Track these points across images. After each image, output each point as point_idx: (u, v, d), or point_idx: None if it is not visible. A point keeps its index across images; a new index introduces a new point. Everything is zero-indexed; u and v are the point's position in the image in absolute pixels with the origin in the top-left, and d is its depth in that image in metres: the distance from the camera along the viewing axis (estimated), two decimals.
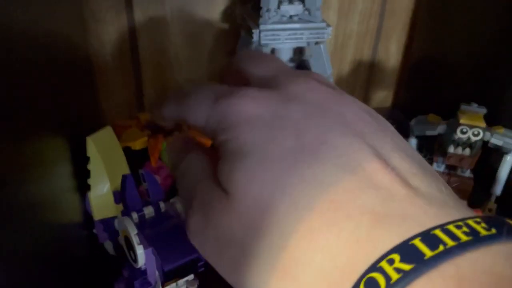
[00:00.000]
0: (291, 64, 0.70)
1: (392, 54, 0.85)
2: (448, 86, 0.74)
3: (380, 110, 0.88)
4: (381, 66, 0.86)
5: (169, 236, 0.38)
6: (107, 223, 0.48)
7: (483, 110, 0.58)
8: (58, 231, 0.42)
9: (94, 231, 0.49)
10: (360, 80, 0.87)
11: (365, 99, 0.89)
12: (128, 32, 0.71)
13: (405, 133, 0.66)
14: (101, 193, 0.46)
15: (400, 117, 0.82)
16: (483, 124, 0.57)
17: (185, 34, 0.73)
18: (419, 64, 0.82)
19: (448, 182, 0.61)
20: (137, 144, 0.51)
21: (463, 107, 0.59)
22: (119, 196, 0.45)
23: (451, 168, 0.63)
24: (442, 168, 0.63)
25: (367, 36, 0.82)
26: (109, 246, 0.50)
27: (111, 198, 0.48)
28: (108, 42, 0.70)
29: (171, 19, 0.72)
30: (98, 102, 0.72)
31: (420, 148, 0.65)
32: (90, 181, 0.46)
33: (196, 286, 0.45)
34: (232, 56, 0.73)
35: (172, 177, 0.54)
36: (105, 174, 0.46)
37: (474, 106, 0.59)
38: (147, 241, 0.37)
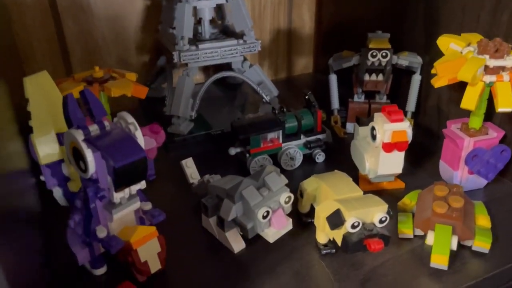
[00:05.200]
0: (214, 30, 0.75)
1: (306, 22, 0.93)
2: (356, 41, 0.82)
3: (304, 76, 0.96)
4: (298, 34, 0.93)
5: (116, 143, 0.40)
6: (54, 167, 0.49)
7: (387, 35, 0.66)
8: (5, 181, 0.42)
9: (42, 177, 0.49)
10: (282, 49, 0.93)
11: (289, 67, 0.96)
12: (53, 18, 0.72)
13: (326, 90, 0.72)
14: (45, 135, 0.47)
15: (323, 79, 0.89)
16: (389, 46, 0.64)
17: (108, 15, 0.76)
18: (330, 29, 0.90)
19: (369, 109, 0.69)
20: (74, 93, 0.53)
21: (370, 34, 0.66)
22: (63, 137, 0.46)
23: (370, 97, 0.69)
24: (362, 98, 0.70)
25: (281, 5, 0.89)
26: (57, 193, 0.50)
27: (55, 141, 0.49)
28: (32, 25, 0.71)
29: (94, 3, 0.74)
30: None
31: (340, 83, 0.71)
32: (32, 122, 0.47)
33: (150, 206, 0.47)
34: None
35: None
36: (46, 115, 0.47)
37: (379, 33, 0.66)
38: (95, 147, 0.39)
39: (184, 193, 0.56)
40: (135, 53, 0.80)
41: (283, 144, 0.61)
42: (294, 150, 0.61)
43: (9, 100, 0.46)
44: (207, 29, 0.71)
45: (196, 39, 0.70)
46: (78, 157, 0.40)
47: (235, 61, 0.71)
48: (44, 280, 0.42)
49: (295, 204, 0.52)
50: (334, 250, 0.47)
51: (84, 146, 0.39)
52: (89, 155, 0.39)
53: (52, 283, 0.44)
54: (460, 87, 0.53)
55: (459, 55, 0.51)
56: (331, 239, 0.46)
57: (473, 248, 0.47)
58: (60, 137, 0.48)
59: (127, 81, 0.56)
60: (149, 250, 0.43)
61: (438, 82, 0.51)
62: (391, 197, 0.55)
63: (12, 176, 0.44)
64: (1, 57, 0.51)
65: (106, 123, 0.43)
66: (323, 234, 0.47)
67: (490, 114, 0.55)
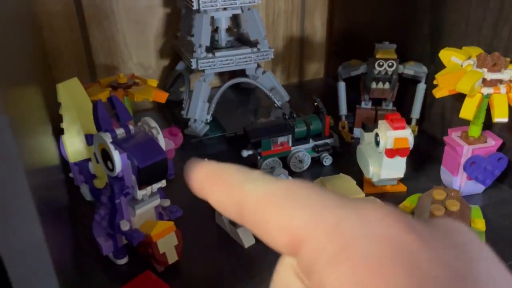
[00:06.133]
0: (230, 38, 0.79)
1: (318, 29, 0.96)
2: (365, 48, 0.85)
3: (315, 81, 0.99)
4: (310, 40, 0.97)
5: (140, 145, 0.44)
6: (82, 165, 0.54)
7: (394, 46, 0.69)
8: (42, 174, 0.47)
9: (70, 174, 0.54)
10: (294, 55, 0.97)
11: (301, 73, 0.99)
12: (79, 25, 0.77)
13: (336, 95, 0.76)
14: (74, 136, 0.52)
15: (334, 85, 0.92)
16: (395, 56, 0.68)
17: (131, 20, 0.80)
18: (341, 36, 0.94)
19: (376, 116, 0.72)
20: (101, 97, 0.57)
21: (377, 45, 0.70)
22: (91, 138, 0.51)
23: (376, 104, 0.73)
24: (369, 105, 0.73)
25: (293, 13, 0.93)
26: (84, 189, 0.55)
27: (83, 142, 0.53)
28: (60, 32, 0.76)
29: (117, 11, 0.79)
30: None
31: (348, 90, 0.75)
32: (63, 124, 0.51)
33: (169, 203, 0.51)
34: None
35: None
36: (76, 118, 0.51)
37: (386, 44, 0.70)
38: (121, 149, 0.43)
39: None
40: (155, 58, 0.85)
41: (292, 148, 0.65)
42: (303, 153, 0.65)
43: (42, 103, 0.50)
44: (223, 37, 0.75)
45: (213, 47, 0.74)
46: (106, 157, 0.44)
47: (249, 67, 0.75)
48: (73, 267, 0.47)
49: None
50: None
51: (111, 147, 0.43)
52: (116, 156, 0.43)
53: (79, 271, 0.49)
54: (463, 96, 0.56)
55: (459, 68, 0.54)
56: None
57: None
58: (88, 138, 0.53)
59: (148, 87, 0.60)
60: (167, 243, 0.47)
61: (439, 92, 0.54)
62: (393, 200, 0.59)
63: (46, 170, 0.49)
64: (35, 63, 0.55)
65: (131, 127, 0.47)
66: None
67: (490, 123, 0.59)
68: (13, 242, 0.24)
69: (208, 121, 0.73)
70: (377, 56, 0.68)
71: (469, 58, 0.55)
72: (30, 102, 0.44)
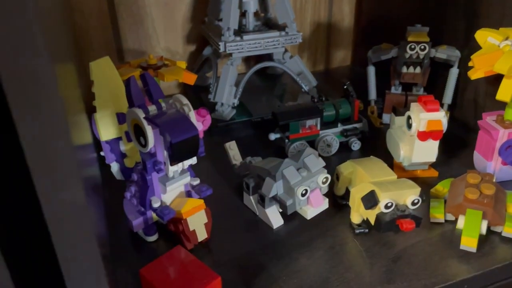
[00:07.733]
0: (257, 22, 0.78)
1: (346, 15, 0.95)
2: (394, 35, 0.84)
3: (342, 69, 0.98)
4: (338, 27, 0.96)
5: (172, 121, 0.44)
6: (113, 144, 0.54)
7: (426, 29, 0.68)
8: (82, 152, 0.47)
9: (102, 153, 0.54)
10: (321, 41, 0.96)
11: (328, 59, 0.98)
12: (109, 8, 0.78)
13: (363, 82, 0.75)
14: (106, 114, 0.52)
15: (360, 72, 0.91)
16: (427, 39, 0.66)
17: (159, 5, 0.80)
18: (370, 22, 0.92)
19: (406, 101, 0.70)
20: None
21: (409, 28, 0.68)
22: (122, 117, 0.51)
23: (407, 89, 0.71)
24: (399, 90, 0.72)
25: None
26: (115, 167, 0.56)
27: (115, 120, 0.54)
28: (90, 15, 0.77)
29: None
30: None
31: (378, 75, 0.74)
32: (95, 102, 0.52)
33: (198, 181, 0.51)
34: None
35: None
36: (108, 96, 0.52)
37: (418, 26, 0.68)
38: (154, 125, 0.44)
39: (226, 173, 0.61)
40: (182, 43, 0.85)
41: (320, 131, 0.64)
42: (331, 137, 0.64)
43: (77, 82, 0.51)
44: (251, 21, 0.74)
45: (241, 30, 0.74)
46: (138, 133, 0.45)
47: (276, 52, 0.75)
48: (108, 243, 0.47)
49: (331, 187, 0.55)
50: (367, 230, 0.50)
51: (144, 123, 0.43)
52: (149, 131, 0.43)
53: (111, 247, 0.50)
54: (497, 80, 0.54)
55: (496, 48, 0.52)
56: (365, 219, 0.49)
57: (503, 234, 0.49)
58: (119, 117, 0.53)
59: (178, 68, 0.61)
60: (197, 220, 0.48)
61: (475, 74, 0.53)
62: (424, 185, 0.57)
63: (82, 148, 0.50)
64: (69, 43, 0.56)
65: (163, 104, 0.47)
66: (357, 214, 0.50)
67: None
68: (58, 203, 0.24)
69: (235, 105, 0.72)
70: (409, 39, 0.66)
71: (507, 38, 0.54)
72: (69, 81, 0.45)
